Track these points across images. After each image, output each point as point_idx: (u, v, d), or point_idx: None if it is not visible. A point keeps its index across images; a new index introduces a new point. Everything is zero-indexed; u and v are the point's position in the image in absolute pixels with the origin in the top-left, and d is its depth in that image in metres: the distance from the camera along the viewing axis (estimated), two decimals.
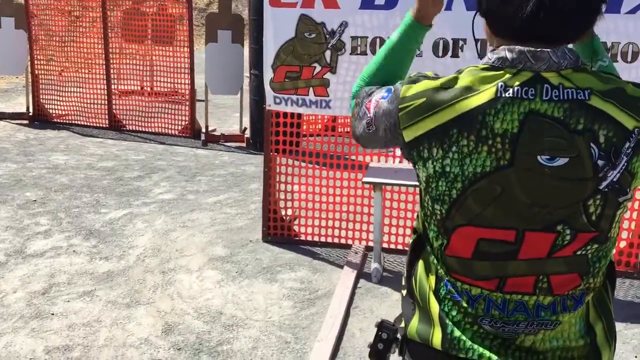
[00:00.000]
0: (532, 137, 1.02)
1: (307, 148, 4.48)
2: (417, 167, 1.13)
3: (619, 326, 3.20)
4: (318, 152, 4.37)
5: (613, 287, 1.21)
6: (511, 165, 1.02)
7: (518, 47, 1.05)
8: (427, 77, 1.12)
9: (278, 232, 4.27)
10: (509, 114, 1.02)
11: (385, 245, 4.00)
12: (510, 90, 1.03)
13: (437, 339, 1.15)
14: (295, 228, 4.32)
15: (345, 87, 3.74)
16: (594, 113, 1.01)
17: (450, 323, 1.14)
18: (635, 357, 3.02)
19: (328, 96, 3.77)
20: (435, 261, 1.15)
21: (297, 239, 4.28)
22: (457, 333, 1.13)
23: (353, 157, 4.29)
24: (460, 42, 3.48)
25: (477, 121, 1.03)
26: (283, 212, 4.32)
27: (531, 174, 1.02)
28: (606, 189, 1.02)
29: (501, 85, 1.03)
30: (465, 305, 1.13)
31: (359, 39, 3.64)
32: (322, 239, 4.23)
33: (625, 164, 1.01)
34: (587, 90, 1.02)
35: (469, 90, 1.05)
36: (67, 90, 7.87)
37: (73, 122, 7.84)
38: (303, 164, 4.26)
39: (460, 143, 1.04)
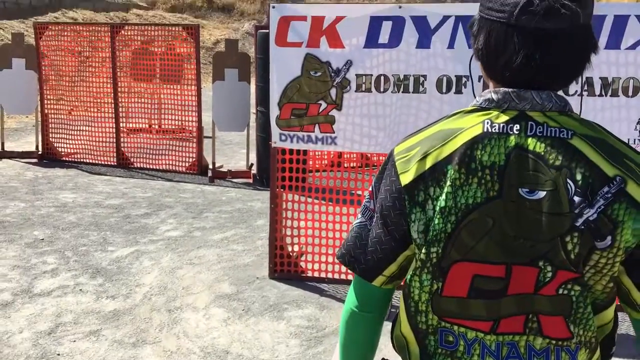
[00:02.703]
0: (515, 171, 1.06)
1: (313, 184, 4.49)
2: (409, 219, 1.12)
3: None
4: (324, 188, 4.38)
5: None
6: (500, 196, 1.06)
7: (503, 89, 1.10)
8: (416, 133, 1.18)
9: (285, 268, 4.25)
10: (496, 148, 1.06)
11: None
12: (497, 126, 1.07)
13: None
14: (302, 264, 4.31)
15: (350, 123, 3.78)
16: (573, 152, 1.04)
17: None
18: None
19: (334, 133, 3.81)
20: (424, 317, 1.15)
21: (304, 275, 4.26)
22: None
23: (359, 192, 4.30)
24: (464, 79, 3.53)
25: (466, 155, 1.07)
26: (290, 249, 4.31)
27: (515, 206, 1.05)
28: (582, 227, 1.03)
29: (487, 122, 1.08)
30: (461, 351, 1.13)
31: (364, 76, 3.69)
32: (330, 275, 4.21)
33: (603, 206, 1.03)
34: (571, 131, 1.06)
35: (458, 130, 1.10)
36: (76, 129, 7.96)
37: (81, 160, 7.92)
38: (309, 200, 4.27)
39: (453, 177, 1.07)
